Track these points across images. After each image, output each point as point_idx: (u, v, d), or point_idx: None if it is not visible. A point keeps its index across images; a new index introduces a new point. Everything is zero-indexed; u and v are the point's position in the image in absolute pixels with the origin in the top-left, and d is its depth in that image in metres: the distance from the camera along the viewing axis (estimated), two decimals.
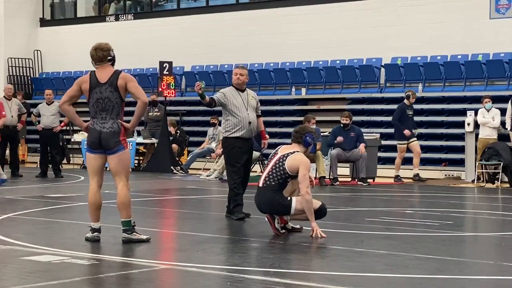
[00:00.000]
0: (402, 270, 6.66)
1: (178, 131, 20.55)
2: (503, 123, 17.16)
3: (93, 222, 7.99)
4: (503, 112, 17.17)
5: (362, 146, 16.50)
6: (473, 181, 17.07)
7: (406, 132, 17.11)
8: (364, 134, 17.30)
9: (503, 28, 19.02)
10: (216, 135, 19.19)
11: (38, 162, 18.47)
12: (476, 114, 17.52)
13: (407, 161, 19.15)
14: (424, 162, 18.84)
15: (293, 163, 8.55)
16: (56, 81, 25.19)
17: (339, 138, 16.52)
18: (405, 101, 17.35)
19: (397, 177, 17.36)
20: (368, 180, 16.66)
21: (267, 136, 10.64)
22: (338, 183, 16.44)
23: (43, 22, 26.81)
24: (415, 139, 17.48)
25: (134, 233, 7.96)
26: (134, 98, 7.91)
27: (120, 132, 7.89)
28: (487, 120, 17.06)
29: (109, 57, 8.01)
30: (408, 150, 17.56)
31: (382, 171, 18.33)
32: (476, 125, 17.59)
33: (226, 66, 22.37)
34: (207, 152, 19.51)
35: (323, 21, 21.39)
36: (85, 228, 8.24)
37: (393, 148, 19.34)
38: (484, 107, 17.09)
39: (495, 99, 17.43)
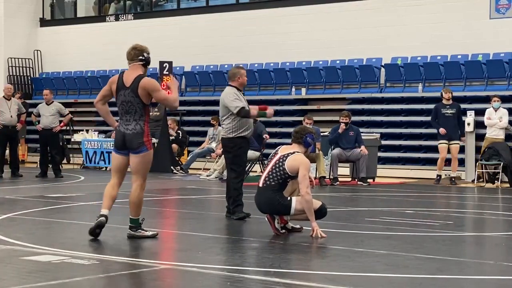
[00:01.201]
0: (403, 270, 6.66)
1: (179, 131, 20.54)
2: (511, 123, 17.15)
3: (103, 209, 8.03)
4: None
5: (363, 147, 16.50)
6: (473, 181, 17.06)
7: (442, 130, 16.74)
8: (364, 134, 17.29)
9: (503, 28, 19.01)
10: (216, 135, 19.16)
11: (38, 162, 18.45)
12: (476, 114, 17.52)
13: (408, 161, 19.18)
14: (423, 162, 18.85)
15: (293, 163, 8.55)
16: (56, 81, 25.18)
17: (342, 126, 16.49)
18: (443, 100, 17.17)
19: (439, 177, 17.02)
20: (368, 180, 16.65)
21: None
22: (338, 183, 16.44)
23: (43, 22, 26.80)
24: (456, 141, 16.97)
25: (139, 230, 8.14)
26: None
27: (143, 133, 8.04)
28: (494, 122, 16.99)
29: (140, 57, 8.13)
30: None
31: (382, 171, 18.32)
32: (476, 125, 17.58)
33: (226, 66, 22.33)
34: (207, 152, 19.50)
35: (323, 21, 21.37)
36: (85, 228, 8.25)
37: (393, 148, 19.36)
38: (492, 106, 17.04)
39: None
